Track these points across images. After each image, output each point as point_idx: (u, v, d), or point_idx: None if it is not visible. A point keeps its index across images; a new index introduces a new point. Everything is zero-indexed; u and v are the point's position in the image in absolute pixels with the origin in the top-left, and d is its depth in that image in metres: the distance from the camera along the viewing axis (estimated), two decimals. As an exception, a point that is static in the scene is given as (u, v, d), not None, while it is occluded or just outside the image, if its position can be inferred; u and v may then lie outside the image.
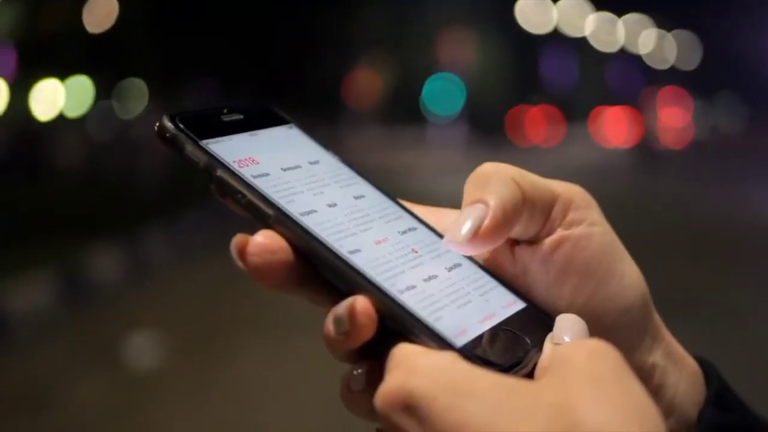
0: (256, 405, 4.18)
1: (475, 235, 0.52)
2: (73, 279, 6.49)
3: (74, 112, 15.24)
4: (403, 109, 25.44)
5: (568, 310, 0.53)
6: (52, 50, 13.35)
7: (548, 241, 0.54)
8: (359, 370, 0.51)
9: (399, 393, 0.44)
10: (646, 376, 0.55)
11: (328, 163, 0.59)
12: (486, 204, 0.52)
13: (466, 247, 0.52)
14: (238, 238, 0.51)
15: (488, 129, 23.98)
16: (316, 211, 0.53)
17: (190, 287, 6.76)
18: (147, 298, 6.44)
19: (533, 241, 0.54)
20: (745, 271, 6.87)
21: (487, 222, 0.52)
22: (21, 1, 13.04)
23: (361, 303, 0.49)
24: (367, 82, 25.37)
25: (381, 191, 0.59)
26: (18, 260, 6.50)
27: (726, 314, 5.43)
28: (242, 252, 0.51)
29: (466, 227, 0.52)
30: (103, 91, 15.60)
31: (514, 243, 0.55)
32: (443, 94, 26.58)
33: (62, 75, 14.50)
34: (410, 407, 0.44)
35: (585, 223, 0.54)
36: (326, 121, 18.59)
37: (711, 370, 0.58)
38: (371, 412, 0.49)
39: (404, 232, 0.56)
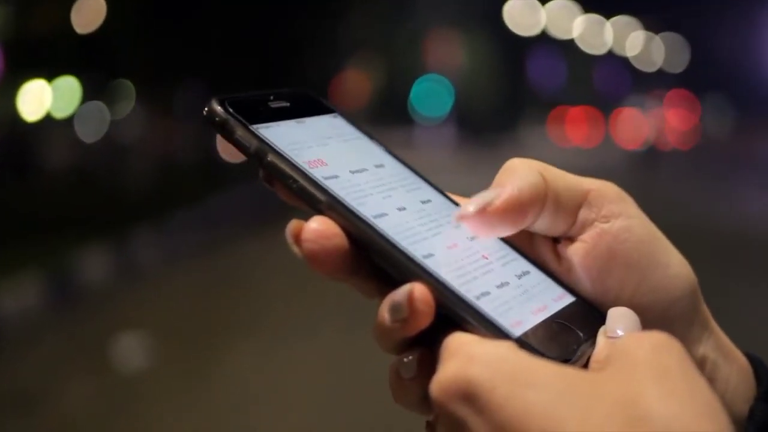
0: (244, 407, 4.18)
1: (483, 211, 0.51)
2: (62, 280, 6.46)
3: (61, 113, 15.18)
4: (392, 111, 25.48)
5: (615, 304, 0.52)
6: (39, 51, 13.31)
7: (588, 236, 0.54)
8: (410, 357, 0.50)
9: (457, 381, 0.43)
10: None
11: (371, 149, 0.60)
12: (503, 187, 0.53)
13: (473, 221, 0.52)
14: (292, 224, 0.50)
15: (477, 130, 24.02)
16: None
17: (179, 289, 6.74)
18: (136, 299, 6.41)
19: (573, 238, 0.54)
20: (744, 272, 6.89)
21: (497, 201, 0.52)
22: (8, 1, 13.00)
23: (419, 289, 0.48)
24: (355, 84, 25.39)
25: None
26: (5, 261, 6.47)
27: (726, 317, 5.43)
28: (297, 238, 0.50)
29: (475, 203, 0.52)
30: (90, 92, 15.55)
31: (554, 241, 0.56)
32: (431, 95, 26.61)
33: (49, 76, 14.45)
34: (469, 396, 0.43)
35: (623, 216, 0.54)
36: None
37: (760, 366, 0.57)
38: (421, 403, 0.49)
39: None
